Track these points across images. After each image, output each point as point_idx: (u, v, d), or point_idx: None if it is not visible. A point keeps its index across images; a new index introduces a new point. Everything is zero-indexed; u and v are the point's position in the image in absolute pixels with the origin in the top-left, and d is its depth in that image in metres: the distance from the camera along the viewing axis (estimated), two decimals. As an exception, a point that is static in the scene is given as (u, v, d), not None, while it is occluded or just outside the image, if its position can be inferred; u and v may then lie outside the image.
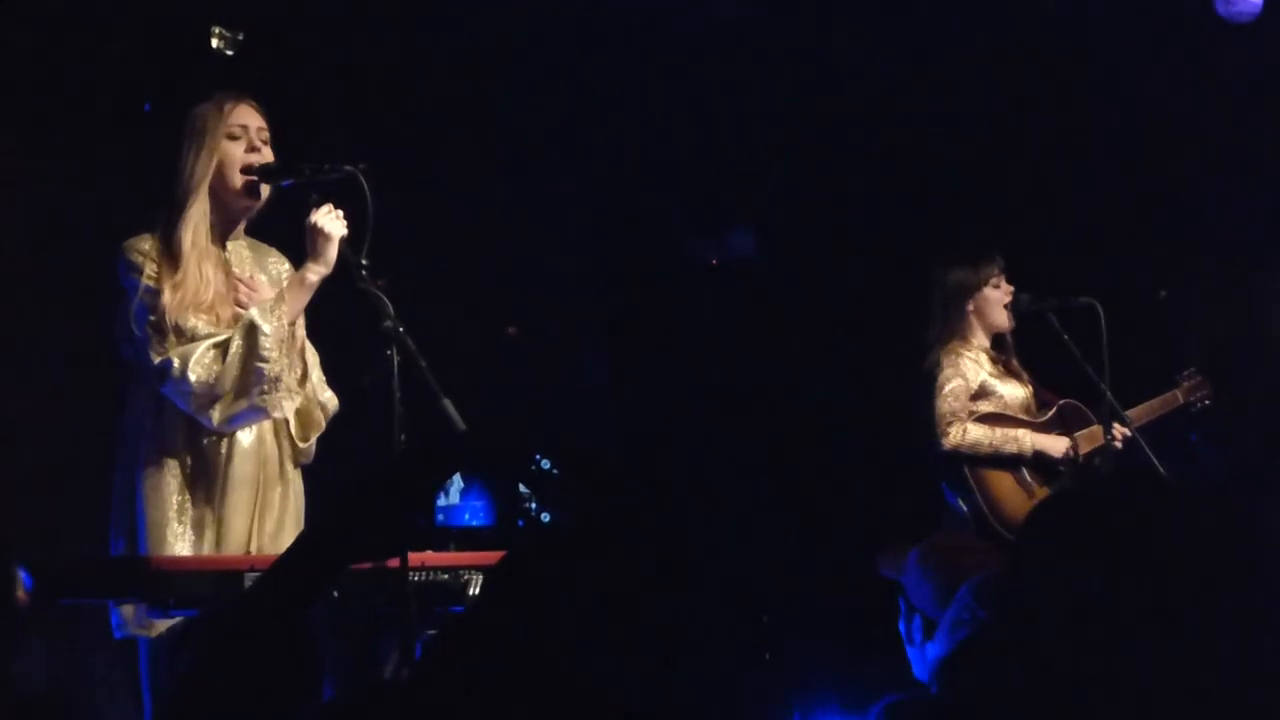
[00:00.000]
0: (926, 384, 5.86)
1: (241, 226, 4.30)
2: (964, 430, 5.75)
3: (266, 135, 4.22)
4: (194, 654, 1.88)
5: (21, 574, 4.54)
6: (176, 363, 4.01)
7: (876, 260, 6.95)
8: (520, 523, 5.66)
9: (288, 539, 4.03)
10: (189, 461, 4.10)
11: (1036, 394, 6.00)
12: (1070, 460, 5.85)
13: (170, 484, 4.07)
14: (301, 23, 5.99)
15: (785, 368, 7.19)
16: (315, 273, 4.11)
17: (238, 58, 5.67)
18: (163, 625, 3.90)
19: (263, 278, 4.30)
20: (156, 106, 5.49)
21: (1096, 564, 1.71)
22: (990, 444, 5.75)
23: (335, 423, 4.32)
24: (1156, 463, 5.63)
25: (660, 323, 7.28)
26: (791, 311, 7.22)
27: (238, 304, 4.16)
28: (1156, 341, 6.51)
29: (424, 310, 4.17)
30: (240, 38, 5.66)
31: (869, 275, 6.99)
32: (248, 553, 4.04)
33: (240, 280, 4.21)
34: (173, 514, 4.05)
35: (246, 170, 4.16)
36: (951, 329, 5.95)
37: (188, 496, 4.08)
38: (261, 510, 4.15)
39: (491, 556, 3.85)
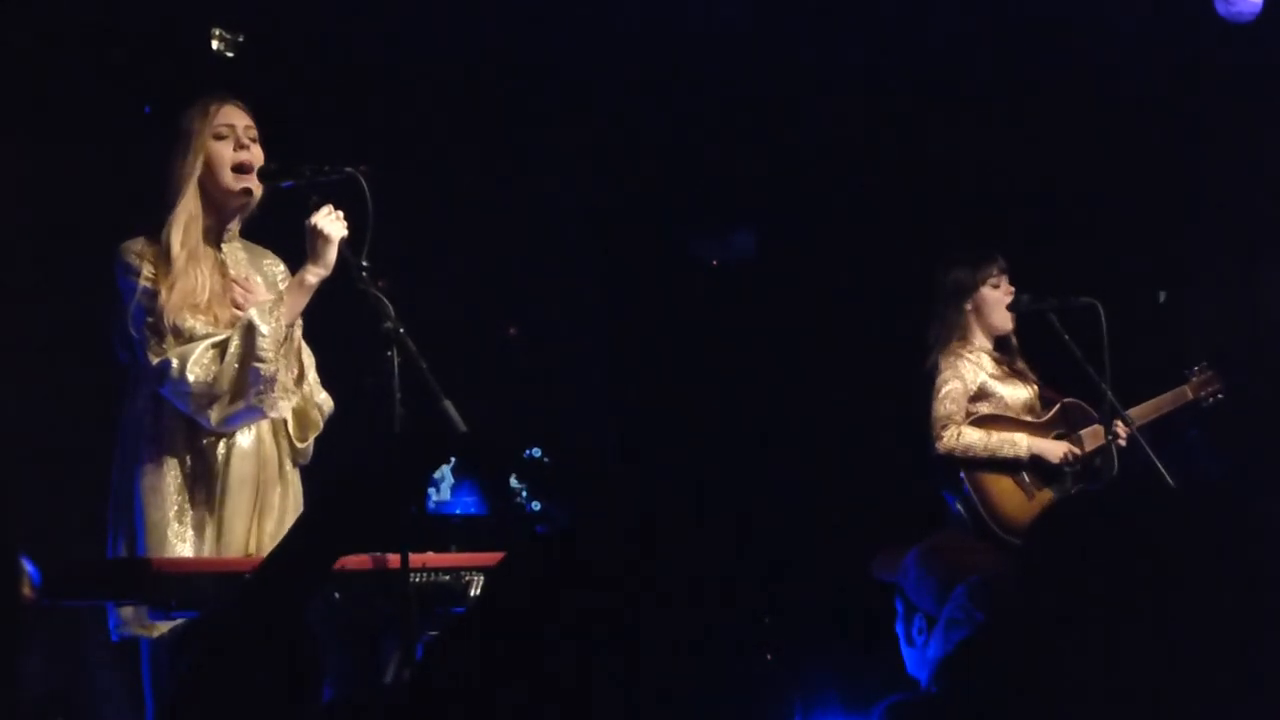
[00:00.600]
0: (926, 386, 5.85)
1: (236, 228, 4.30)
2: (959, 433, 5.74)
3: (254, 134, 4.23)
4: (193, 655, 1.88)
5: (29, 569, 4.55)
6: (175, 363, 4.01)
7: (877, 261, 6.95)
8: (513, 515, 5.66)
9: (288, 540, 4.02)
10: (188, 462, 4.10)
11: (1041, 394, 5.98)
12: (1070, 461, 5.83)
13: (170, 484, 4.07)
14: (301, 23, 6.00)
15: (785, 368, 7.20)
16: (314, 275, 4.11)
17: (238, 59, 5.67)
18: (164, 626, 3.90)
19: (258, 279, 4.30)
20: (157, 109, 5.49)
21: (1101, 567, 1.71)
22: (986, 447, 5.74)
23: (335, 424, 4.32)
24: (1157, 462, 5.62)
25: (660, 323, 7.28)
26: (792, 312, 7.22)
27: (234, 305, 4.16)
28: (1157, 341, 6.51)
29: (424, 311, 4.18)
30: (241, 40, 5.67)
31: (869, 276, 6.99)
32: (248, 553, 4.04)
33: (236, 281, 4.22)
34: (173, 514, 4.05)
35: (237, 169, 4.17)
36: (951, 330, 5.94)
37: (187, 497, 4.08)
38: (261, 511, 4.15)
39: (493, 557, 3.85)
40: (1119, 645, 1.67)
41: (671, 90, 6.90)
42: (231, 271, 4.24)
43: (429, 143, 6.51)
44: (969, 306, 5.94)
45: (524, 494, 5.76)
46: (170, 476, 4.07)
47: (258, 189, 4.21)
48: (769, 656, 1.55)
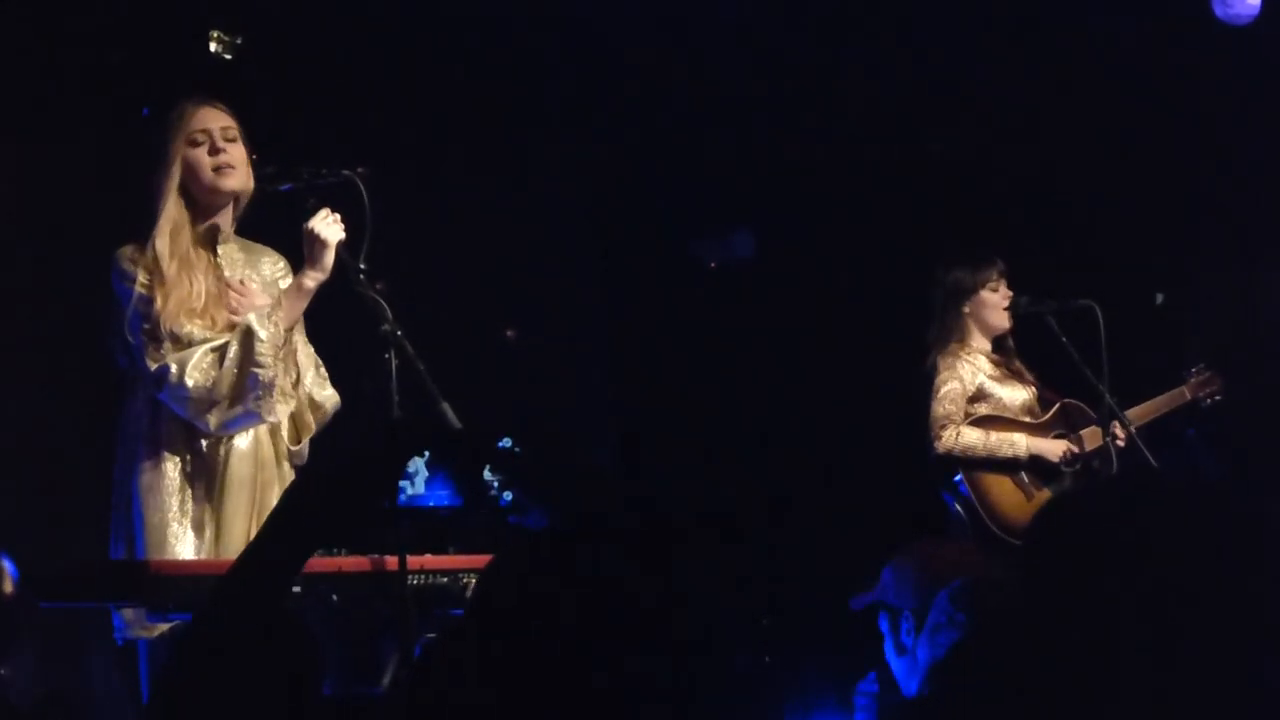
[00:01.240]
0: (924, 386, 5.85)
1: (230, 228, 4.28)
2: (958, 434, 5.74)
3: (234, 133, 4.19)
4: (174, 654, 1.88)
5: (7, 564, 4.55)
6: (174, 368, 4.01)
7: (877, 262, 6.95)
8: (487, 508, 5.63)
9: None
10: (187, 462, 4.10)
11: (1040, 395, 5.98)
12: (1070, 461, 5.84)
13: (169, 486, 4.07)
14: (300, 24, 5.99)
15: (785, 369, 7.19)
16: (312, 279, 4.10)
17: (237, 60, 5.67)
18: (163, 627, 3.90)
19: (255, 280, 4.28)
20: (156, 111, 5.49)
21: (1100, 567, 1.71)
22: (984, 447, 5.74)
23: (332, 425, 4.31)
24: (1154, 463, 5.62)
25: (660, 324, 7.27)
26: (791, 313, 7.22)
27: (229, 309, 4.15)
28: (1155, 343, 6.51)
29: (422, 313, 4.17)
30: (239, 41, 5.66)
31: (869, 278, 6.99)
32: (247, 554, 4.03)
33: (230, 285, 4.20)
34: (172, 515, 4.05)
35: (217, 170, 4.15)
36: (949, 331, 5.94)
37: (187, 498, 4.08)
38: (260, 512, 4.15)
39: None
40: (1119, 645, 1.67)
41: (671, 91, 6.90)
42: (227, 274, 4.22)
43: (428, 144, 6.50)
44: (967, 309, 5.94)
45: (497, 486, 5.74)
46: (169, 477, 4.07)
47: (244, 183, 4.19)
48: (765, 659, 1.55)
